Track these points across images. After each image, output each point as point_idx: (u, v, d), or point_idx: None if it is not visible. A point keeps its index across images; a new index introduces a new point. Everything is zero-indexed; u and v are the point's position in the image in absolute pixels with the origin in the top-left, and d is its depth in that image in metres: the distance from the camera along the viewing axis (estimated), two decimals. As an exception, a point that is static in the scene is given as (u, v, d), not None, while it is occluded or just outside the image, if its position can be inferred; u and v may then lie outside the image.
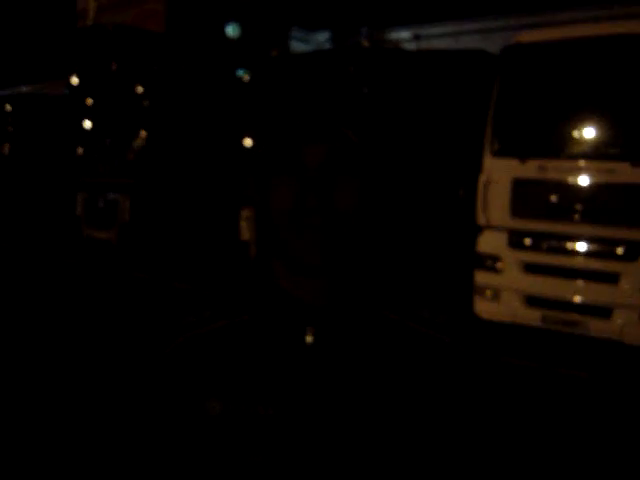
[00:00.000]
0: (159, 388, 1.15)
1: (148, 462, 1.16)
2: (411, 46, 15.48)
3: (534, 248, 7.21)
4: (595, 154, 6.99)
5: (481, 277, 7.49)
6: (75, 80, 13.53)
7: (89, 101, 13.18)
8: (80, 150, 13.23)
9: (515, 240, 7.32)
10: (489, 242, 7.49)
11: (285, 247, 1.07)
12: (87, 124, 13.14)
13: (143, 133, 12.08)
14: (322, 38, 17.38)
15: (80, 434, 4.74)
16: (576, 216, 6.95)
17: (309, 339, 1.08)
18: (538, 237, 7.19)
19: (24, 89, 18.36)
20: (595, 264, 6.85)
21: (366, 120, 1.06)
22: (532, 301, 7.16)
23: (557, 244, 7.08)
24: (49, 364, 6.36)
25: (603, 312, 6.73)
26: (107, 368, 6.12)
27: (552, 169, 7.04)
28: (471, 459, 1.11)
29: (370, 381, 1.07)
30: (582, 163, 6.99)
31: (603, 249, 6.82)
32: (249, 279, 1.19)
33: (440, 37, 14.75)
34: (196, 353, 1.13)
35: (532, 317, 7.12)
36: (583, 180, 6.92)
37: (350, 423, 1.05)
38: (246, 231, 9.72)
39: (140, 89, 12.18)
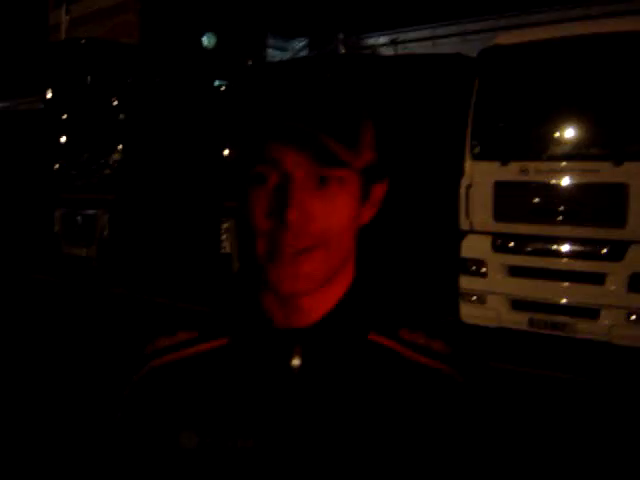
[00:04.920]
0: (131, 417, 1.05)
1: None
2: (388, 51, 15.50)
3: (518, 251, 7.15)
4: (577, 155, 6.95)
5: (466, 282, 7.42)
6: (50, 95, 13.39)
7: (65, 116, 13.04)
8: (57, 165, 13.07)
9: (499, 244, 7.25)
10: (473, 246, 7.42)
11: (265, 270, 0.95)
12: (63, 139, 12.98)
13: (120, 147, 11.94)
14: (299, 45, 17.37)
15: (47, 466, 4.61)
16: (560, 217, 6.89)
17: (296, 362, 0.97)
18: (522, 240, 7.12)
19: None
20: (581, 265, 6.79)
21: (351, 127, 0.94)
22: (518, 305, 7.10)
23: (542, 246, 7.03)
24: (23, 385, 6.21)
25: (590, 313, 6.68)
26: (72, 400, 5.90)
27: (534, 171, 6.99)
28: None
29: (361, 411, 0.95)
30: (564, 164, 6.94)
31: (588, 250, 6.77)
32: (230, 296, 1.08)
33: (417, 41, 14.76)
34: (171, 380, 1.02)
35: (519, 320, 7.06)
36: (565, 181, 6.86)
37: (337, 457, 0.93)
38: (227, 243, 9.60)
39: (115, 102, 12.05)
